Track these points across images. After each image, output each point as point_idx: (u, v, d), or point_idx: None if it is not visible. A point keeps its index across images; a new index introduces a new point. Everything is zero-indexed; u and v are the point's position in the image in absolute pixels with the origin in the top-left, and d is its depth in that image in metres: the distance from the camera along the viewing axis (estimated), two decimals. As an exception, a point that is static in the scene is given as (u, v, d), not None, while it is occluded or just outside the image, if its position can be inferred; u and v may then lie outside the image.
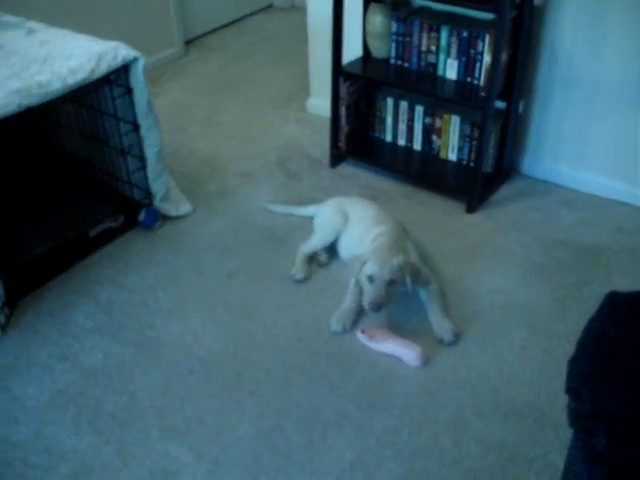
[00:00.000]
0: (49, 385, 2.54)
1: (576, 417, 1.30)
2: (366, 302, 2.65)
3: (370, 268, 2.64)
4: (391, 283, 2.63)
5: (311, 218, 3.24)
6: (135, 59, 2.93)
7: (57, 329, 2.77)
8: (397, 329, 2.71)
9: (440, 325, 2.70)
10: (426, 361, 2.58)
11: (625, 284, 2.92)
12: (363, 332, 2.66)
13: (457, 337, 2.67)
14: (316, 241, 3.08)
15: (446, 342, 2.65)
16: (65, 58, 2.84)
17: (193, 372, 2.57)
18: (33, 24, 3.18)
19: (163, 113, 4.11)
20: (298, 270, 2.99)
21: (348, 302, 2.80)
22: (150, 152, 3.16)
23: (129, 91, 3.00)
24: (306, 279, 2.98)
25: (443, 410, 2.40)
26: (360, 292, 2.77)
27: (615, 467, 1.17)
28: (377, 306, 2.61)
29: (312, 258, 3.08)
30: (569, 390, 1.34)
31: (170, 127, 4.08)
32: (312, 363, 2.59)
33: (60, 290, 2.96)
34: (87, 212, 3.30)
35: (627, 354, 1.28)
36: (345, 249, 3.04)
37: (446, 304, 2.81)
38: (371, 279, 2.64)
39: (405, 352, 2.58)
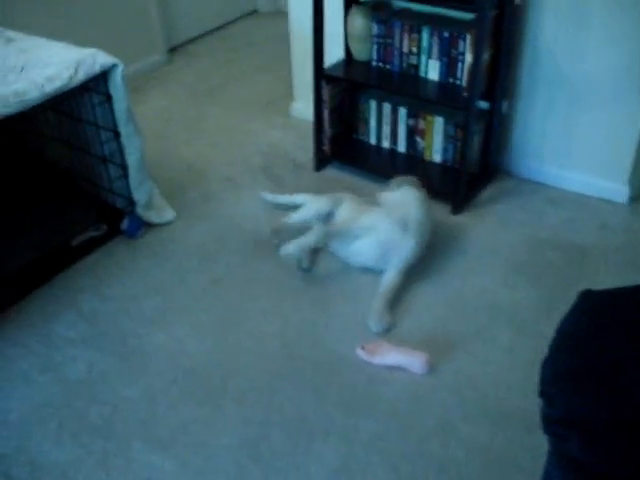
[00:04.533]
0: (31, 397, 2.50)
1: (549, 422, 1.27)
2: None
3: None
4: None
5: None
6: (114, 66, 2.90)
7: (39, 340, 2.73)
8: (394, 340, 2.65)
9: (377, 312, 2.72)
10: (432, 367, 2.55)
11: (611, 282, 2.87)
12: (363, 348, 2.60)
13: (387, 330, 2.70)
14: (297, 215, 3.19)
15: (374, 331, 2.68)
16: (43, 66, 2.81)
17: (177, 381, 2.54)
18: (11, 33, 3.16)
19: (147, 120, 4.10)
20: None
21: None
22: (131, 160, 3.13)
23: (109, 98, 2.97)
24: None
25: (430, 415, 2.38)
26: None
27: (589, 473, 1.14)
28: None
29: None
30: (542, 394, 1.31)
31: (154, 134, 4.06)
32: (297, 370, 2.57)
33: (42, 301, 2.93)
34: (69, 221, 3.28)
35: (600, 355, 1.25)
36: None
37: (394, 298, 2.84)
38: None
39: (410, 361, 2.54)
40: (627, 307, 1.34)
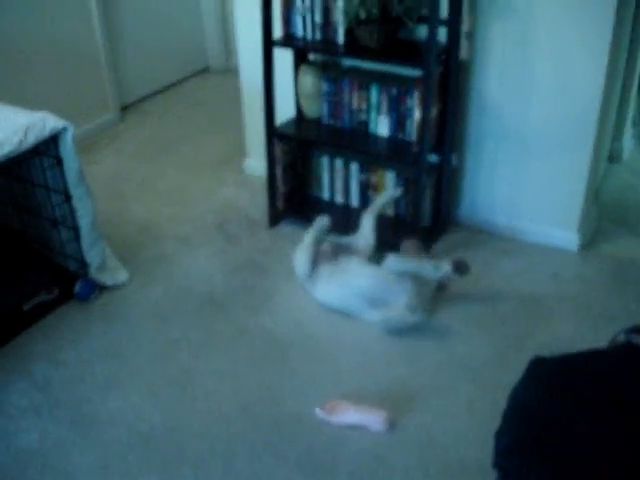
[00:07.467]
0: (-18, 470, 2.44)
1: (505, 495, 1.27)
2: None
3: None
4: None
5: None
6: (64, 129, 2.89)
7: (-10, 410, 2.67)
8: (352, 398, 2.63)
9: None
10: (391, 425, 2.53)
11: (566, 331, 2.93)
12: (322, 409, 2.58)
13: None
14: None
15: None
16: (-8, 131, 2.79)
17: (133, 448, 2.49)
18: (-41, 98, 3.14)
19: (99, 180, 4.08)
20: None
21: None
22: (83, 222, 3.09)
23: (59, 161, 2.95)
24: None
25: (391, 473, 2.36)
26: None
27: None
28: None
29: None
30: (496, 465, 1.31)
31: (107, 194, 4.03)
32: (256, 431, 2.53)
33: (-7, 369, 2.86)
34: (21, 285, 3.20)
35: (551, 425, 1.26)
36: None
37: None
38: None
39: (370, 419, 2.52)
40: (576, 375, 1.35)
